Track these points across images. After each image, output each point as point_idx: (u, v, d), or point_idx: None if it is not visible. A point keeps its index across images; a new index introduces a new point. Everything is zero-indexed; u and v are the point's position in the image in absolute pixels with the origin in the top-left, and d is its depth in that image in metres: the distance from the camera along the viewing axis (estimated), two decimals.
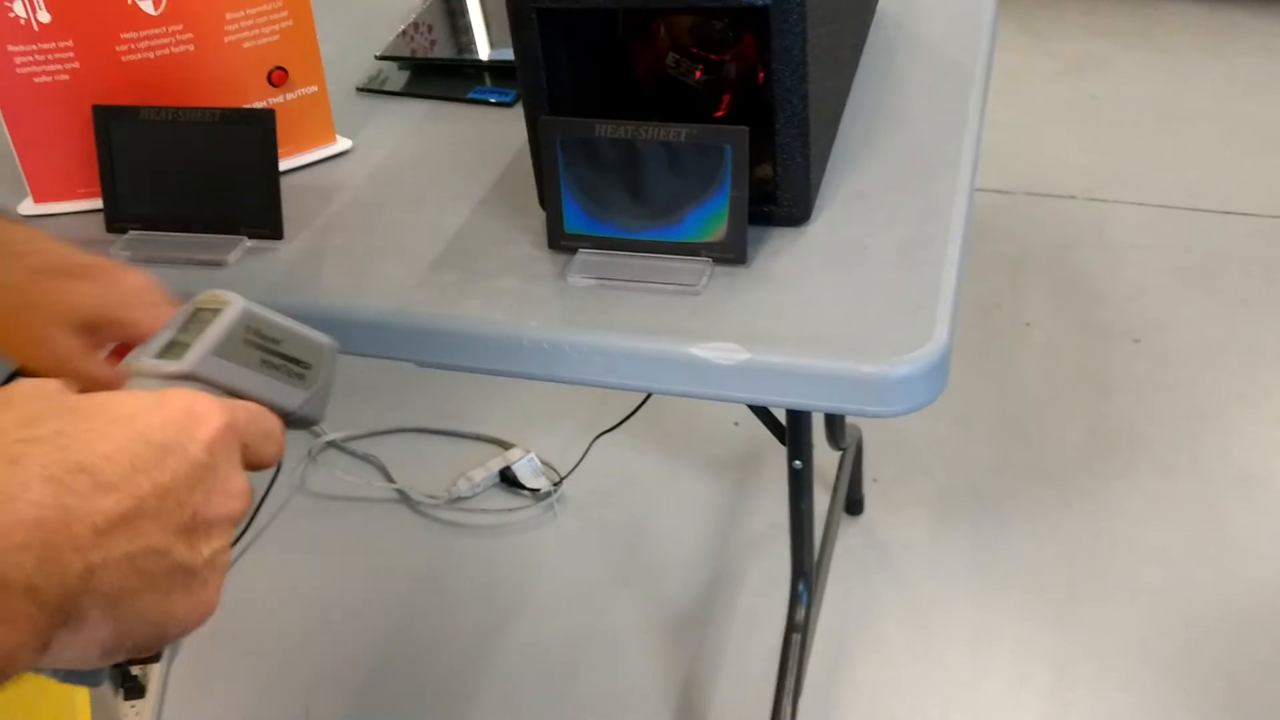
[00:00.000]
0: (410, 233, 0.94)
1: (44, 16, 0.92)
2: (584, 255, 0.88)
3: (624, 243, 0.87)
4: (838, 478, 1.67)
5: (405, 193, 1.00)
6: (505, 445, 1.94)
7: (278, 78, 1.01)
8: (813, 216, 0.92)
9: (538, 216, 0.93)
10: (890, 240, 0.89)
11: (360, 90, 1.18)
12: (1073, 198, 2.46)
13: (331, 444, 1.98)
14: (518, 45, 0.87)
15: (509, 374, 0.85)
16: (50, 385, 0.44)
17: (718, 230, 0.86)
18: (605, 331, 0.82)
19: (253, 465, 0.50)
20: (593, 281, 0.86)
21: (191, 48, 0.96)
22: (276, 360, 0.57)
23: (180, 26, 0.95)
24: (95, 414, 0.42)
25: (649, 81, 0.98)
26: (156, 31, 0.95)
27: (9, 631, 0.36)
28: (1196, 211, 2.40)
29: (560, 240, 0.89)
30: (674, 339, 0.81)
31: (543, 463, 1.90)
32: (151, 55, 0.95)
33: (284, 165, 1.02)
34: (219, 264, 0.91)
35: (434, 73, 1.19)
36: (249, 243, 0.93)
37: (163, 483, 0.42)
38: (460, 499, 1.86)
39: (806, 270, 0.87)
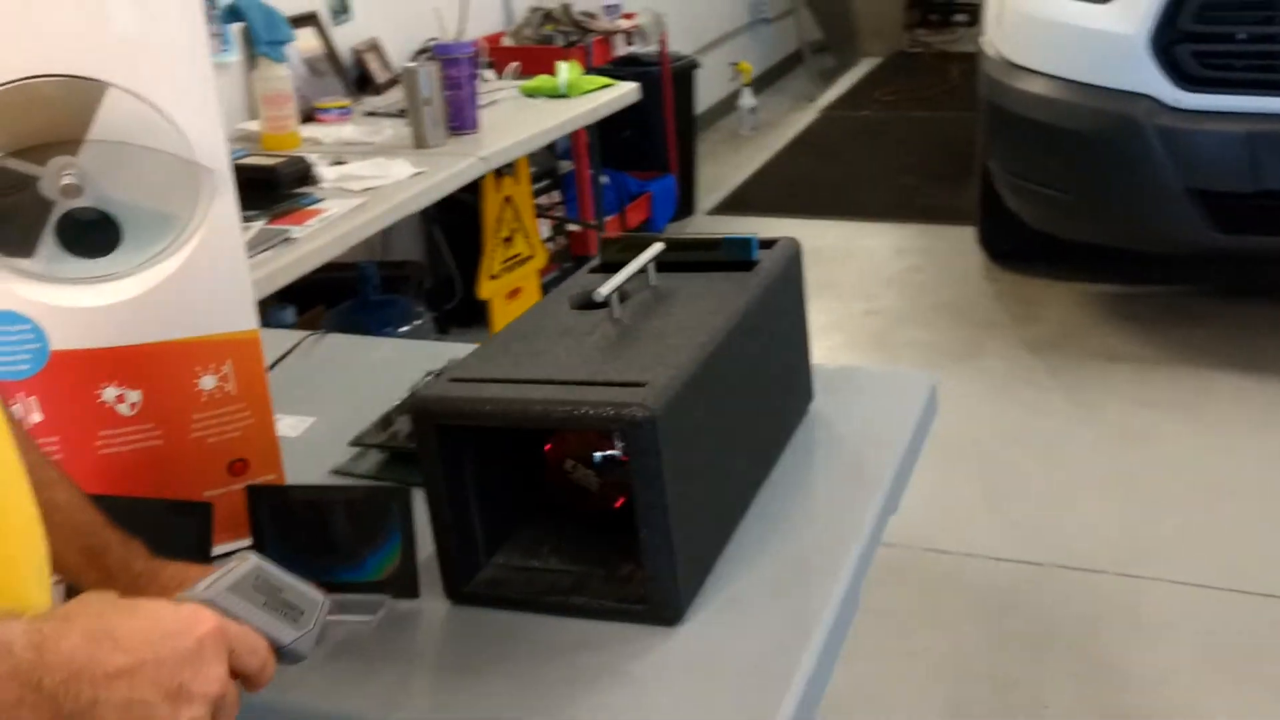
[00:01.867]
0: None
1: (36, 416, 1.08)
2: None
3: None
4: None
5: None
6: None
7: (238, 468, 1.14)
8: (686, 617, 0.98)
9: None
10: (750, 647, 0.94)
11: (334, 473, 1.31)
12: (1105, 572, 2.44)
13: None
14: (422, 452, 0.99)
15: None
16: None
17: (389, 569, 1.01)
18: None
19: (238, 670, 0.69)
20: None
21: (160, 443, 1.10)
22: (276, 603, 0.76)
23: (151, 425, 1.10)
24: (132, 607, 0.65)
25: (553, 482, 1.09)
26: (130, 430, 1.09)
27: (29, 715, 0.59)
28: (1235, 593, 2.35)
29: None
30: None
31: None
32: (124, 449, 1.10)
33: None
34: None
35: (410, 460, 1.31)
36: None
37: (161, 655, 0.63)
38: None
39: (664, 672, 0.92)
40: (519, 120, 2.92)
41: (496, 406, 0.96)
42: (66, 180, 1.00)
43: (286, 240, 2.04)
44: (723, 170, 5.39)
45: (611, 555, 1.03)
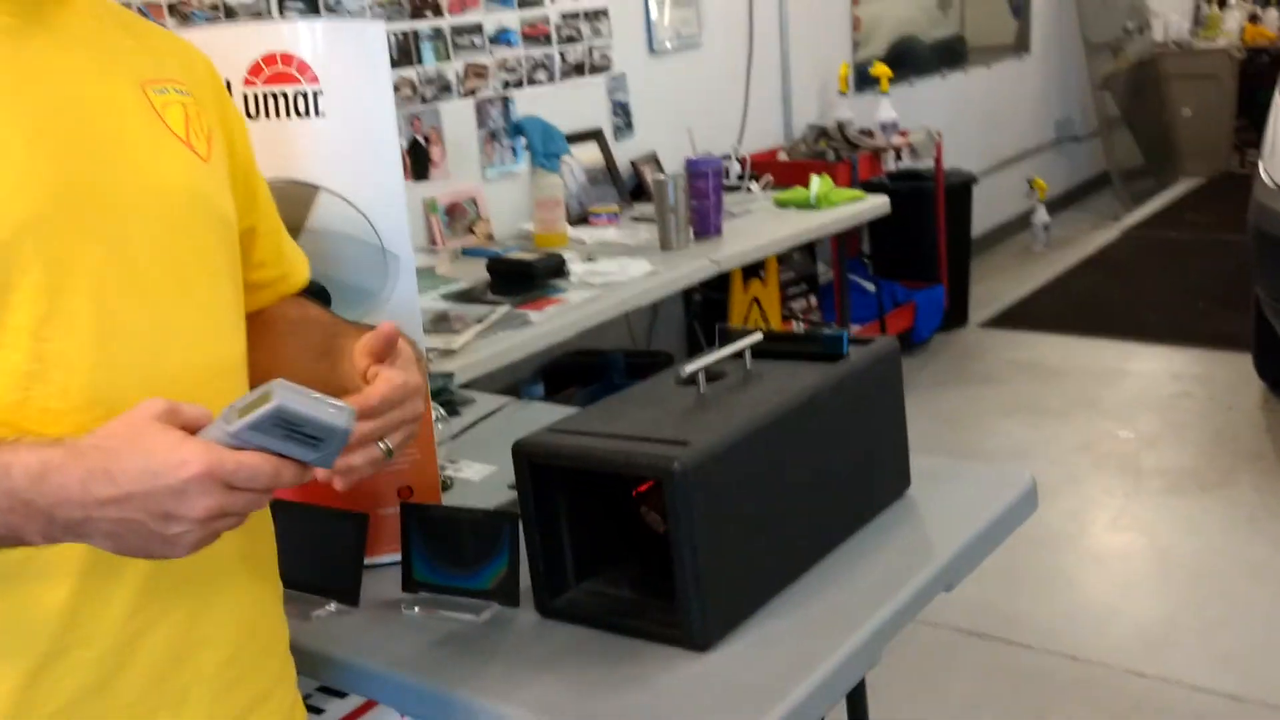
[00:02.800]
0: None
1: None
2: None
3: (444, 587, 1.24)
4: None
5: None
6: None
7: (404, 493, 1.43)
8: (716, 646, 1.16)
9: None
10: (754, 676, 1.11)
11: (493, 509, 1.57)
12: None
13: None
14: (519, 487, 1.23)
15: None
16: (155, 407, 0.81)
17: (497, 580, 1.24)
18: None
19: (242, 495, 0.81)
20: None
21: None
22: (297, 435, 0.83)
23: None
24: (134, 446, 0.79)
25: (634, 525, 1.30)
26: None
27: (26, 526, 0.78)
28: None
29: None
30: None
31: None
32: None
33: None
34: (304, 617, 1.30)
35: None
36: (332, 606, 1.32)
37: (149, 489, 0.78)
38: None
39: (681, 686, 1.11)
40: (763, 228, 3.16)
41: (569, 452, 1.19)
42: None
43: (524, 323, 2.36)
44: (1005, 284, 5.40)
45: (669, 589, 1.23)
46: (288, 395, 0.83)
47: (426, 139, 3.03)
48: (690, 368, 1.30)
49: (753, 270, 3.46)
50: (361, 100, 1.31)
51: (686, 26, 3.87)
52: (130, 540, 0.81)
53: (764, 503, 1.23)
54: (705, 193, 2.97)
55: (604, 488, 1.27)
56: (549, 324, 2.38)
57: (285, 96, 1.30)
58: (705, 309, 3.77)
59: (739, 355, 1.37)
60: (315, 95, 1.30)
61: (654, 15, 3.73)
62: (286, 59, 1.29)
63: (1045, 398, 4.08)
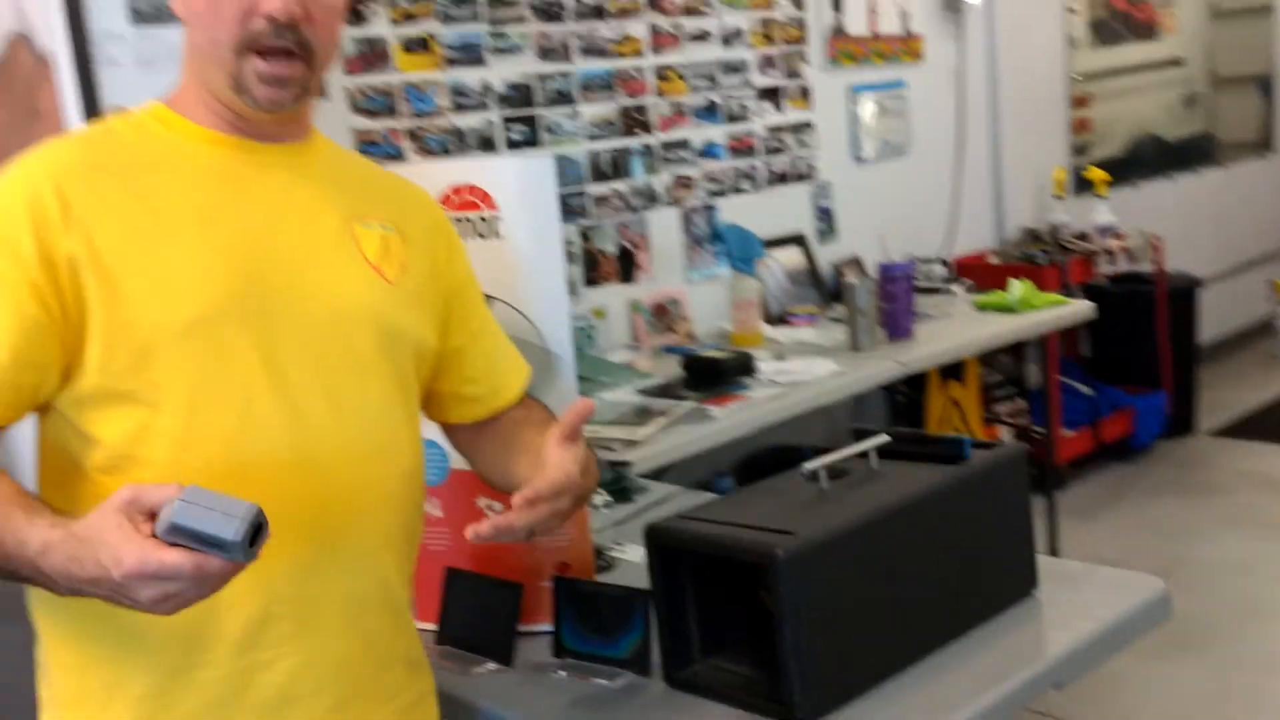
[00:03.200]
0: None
1: (437, 513, 1.61)
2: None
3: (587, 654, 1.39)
4: None
5: None
6: None
7: (561, 568, 1.60)
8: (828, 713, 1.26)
9: None
10: None
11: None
12: None
13: None
14: (650, 567, 1.38)
15: None
16: (121, 497, 0.93)
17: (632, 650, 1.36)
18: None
19: (174, 585, 0.92)
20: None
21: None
22: (200, 538, 0.92)
23: None
24: (100, 537, 0.92)
25: (755, 607, 1.41)
26: None
27: (50, 585, 0.96)
28: None
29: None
30: None
31: None
32: (492, 544, 1.60)
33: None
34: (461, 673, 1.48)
35: None
36: (490, 665, 1.49)
37: (103, 577, 0.92)
38: None
39: None
40: (959, 331, 3.22)
41: (688, 536, 1.33)
42: None
43: (706, 418, 2.52)
44: (1240, 392, 5.16)
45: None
46: (182, 509, 0.92)
47: (634, 245, 3.27)
48: (811, 465, 1.43)
49: (952, 372, 3.50)
50: (532, 223, 1.51)
51: (894, 135, 4.00)
52: (77, 585, 0.96)
53: (870, 592, 1.32)
54: (896, 296, 3.06)
55: (729, 571, 1.39)
56: (730, 420, 2.53)
57: (469, 220, 1.52)
58: (907, 408, 3.83)
59: (866, 454, 1.48)
60: (494, 219, 1.51)
61: (860, 126, 3.88)
62: (472, 189, 1.51)
63: (1275, 512, 3.89)
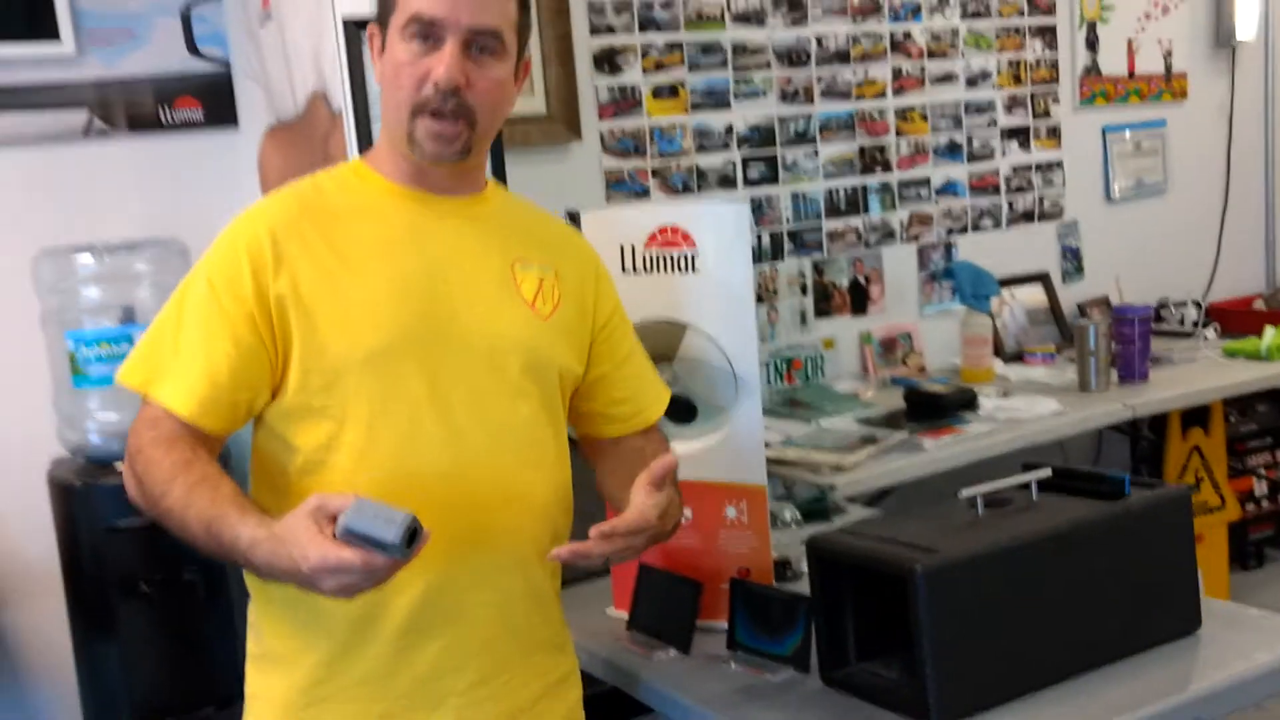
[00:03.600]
0: None
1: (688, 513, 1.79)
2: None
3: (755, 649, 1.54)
4: None
5: None
6: None
7: (742, 572, 1.76)
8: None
9: None
10: None
11: None
12: None
13: None
14: (810, 576, 1.53)
15: None
16: (310, 504, 1.16)
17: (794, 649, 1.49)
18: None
19: (350, 578, 1.14)
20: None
21: (697, 544, 1.77)
22: (368, 541, 1.13)
23: (695, 531, 1.77)
24: (292, 536, 1.14)
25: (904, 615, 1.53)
26: (684, 532, 1.76)
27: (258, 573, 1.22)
28: None
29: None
30: None
31: None
32: (680, 543, 1.78)
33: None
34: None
35: None
36: (671, 651, 1.68)
37: (295, 570, 1.14)
38: None
39: None
40: (1201, 377, 3.15)
41: (842, 549, 1.48)
42: (665, 378, 1.74)
43: (917, 449, 2.61)
44: None
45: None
46: (353, 516, 1.13)
47: (866, 279, 3.38)
48: (968, 492, 1.54)
49: (1197, 419, 3.40)
50: (728, 262, 1.69)
51: (1150, 175, 3.92)
52: (276, 573, 1.19)
53: (1011, 612, 1.43)
54: (1130, 339, 3.03)
55: (881, 582, 1.52)
56: (940, 452, 2.61)
57: (671, 257, 1.72)
58: (1150, 453, 3.74)
59: (1027, 486, 1.58)
60: (693, 257, 1.71)
61: (1113, 165, 3.83)
62: (675, 230, 1.71)
63: None
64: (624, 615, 1.80)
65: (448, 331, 1.37)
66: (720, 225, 1.70)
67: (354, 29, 1.79)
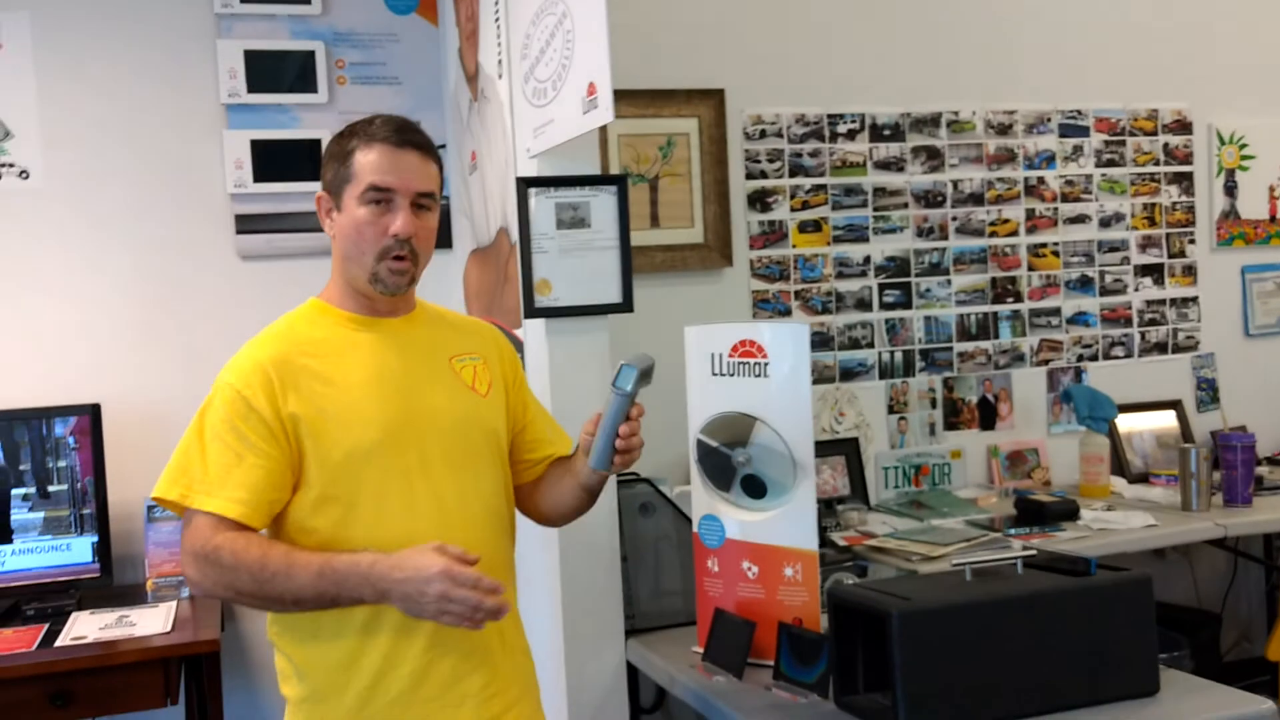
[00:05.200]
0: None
1: (716, 569, 2.27)
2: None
3: (790, 678, 1.89)
4: None
5: None
6: None
7: (795, 621, 2.18)
8: None
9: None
10: None
11: None
12: None
13: None
14: (829, 620, 1.94)
15: None
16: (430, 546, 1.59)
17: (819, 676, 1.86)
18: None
19: (459, 592, 1.54)
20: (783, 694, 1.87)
21: (761, 595, 2.20)
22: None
23: (759, 584, 2.20)
24: (408, 560, 1.57)
25: None
26: (751, 585, 2.21)
27: (364, 591, 1.60)
28: None
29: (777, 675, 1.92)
30: None
31: None
32: (747, 594, 2.22)
33: None
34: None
35: None
36: (724, 677, 2.11)
37: (417, 578, 1.56)
38: None
39: None
40: None
41: (845, 596, 1.89)
42: (741, 459, 2.20)
43: (1002, 546, 2.95)
44: None
45: None
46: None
47: (995, 397, 3.72)
48: (957, 561, 1.93)
49: None
50: (791, 368, 2.15)
51: None
52: (410, 606, 1.56)
53: (976, 655, 1.80)
54: (1234, 464, 3.26)
55: (879, 623, 1.92)
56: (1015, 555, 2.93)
57: (747, 365, 2.20)
58: None
59: (1012, 563, 1.95)
60: (765, 365, 2.18)
61: (1252, 303, 4.04)
62: (751, 343, 2.19)
63: None
64: (699, 650, 2.25)
65: (423, 420, 1.74)
66: (783, 342, 2.16)
67: (523, 185, 2.37)
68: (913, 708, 1.77)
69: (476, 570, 1.58)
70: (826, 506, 3.27)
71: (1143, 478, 3.72)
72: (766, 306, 3.48)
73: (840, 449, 3.48)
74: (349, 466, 1.69)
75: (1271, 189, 4.07)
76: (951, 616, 1.81)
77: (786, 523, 2.18)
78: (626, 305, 2.42)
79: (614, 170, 3.25)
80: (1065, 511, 3.22)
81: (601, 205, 2.41)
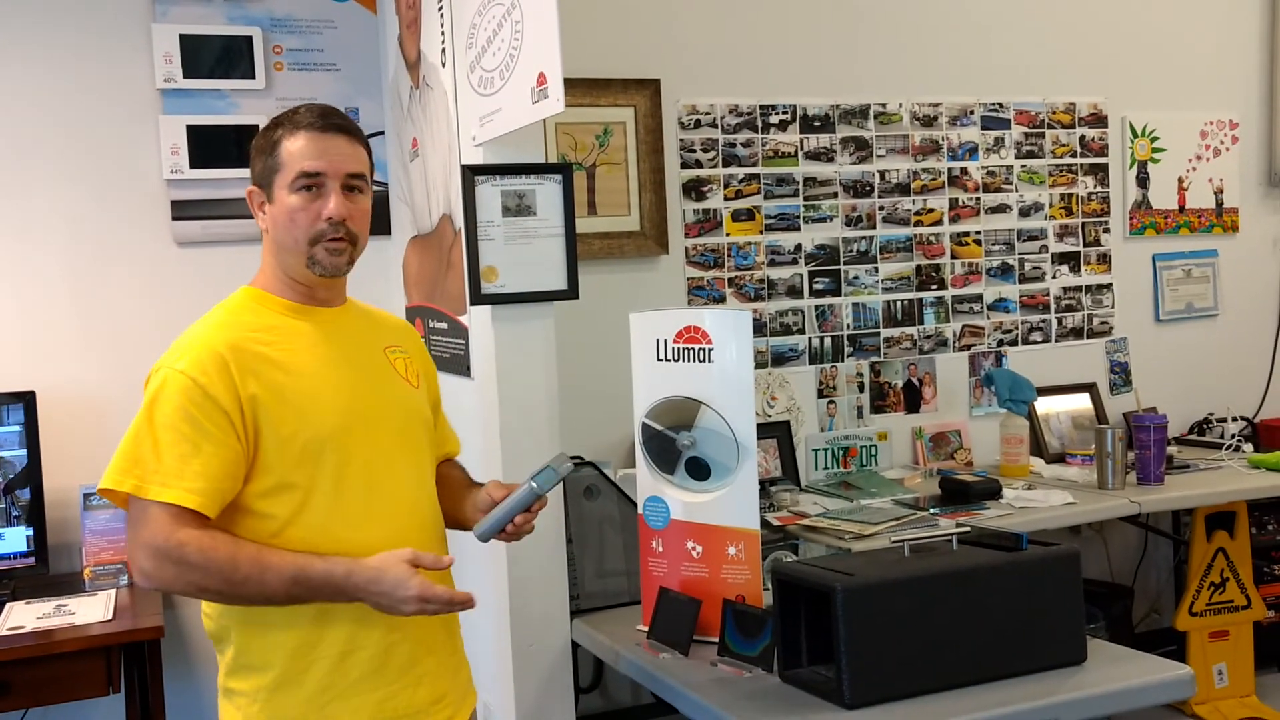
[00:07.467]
0: None
1: (660, 548, 2.33)
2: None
3: (735, 652, 1.96)
4: None
5: None
6: None
7: (739, 598, 2.25)
8: (860, 709, 1.84)
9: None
10: None
11: None
12: None
13: None
14: (773, 593, 2.02)
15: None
16: (405, 554, 1.66)
17: (763, 650, 1.93)
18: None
19: (430, 606, 1.64)
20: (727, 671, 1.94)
21: (705, 575, 2.27)
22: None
23: (704, 564, 2.27)
24: (392, 570, 1.63)
25: None
26: (696, 564, 2.27)
27: (338, 598, 1.66)
28: None
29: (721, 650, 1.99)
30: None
31: None
32: (692, 573, 2.29)
33: None
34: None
35: None
36: (671, 654, 2.18)
37: (391, 591, 1.62)
38: None
39: None
40: (1213, 484, 3.49)
41: (788, 572, 1.96)
42: (686, 443, 2.26)
43: (932, 525, 3.05)
44: None
45: None
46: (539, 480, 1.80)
47: (920, 381, 3.84)
48: (896, 538, 2.01)
49: (1221, 522, 3.70)
50: (734, 354, 2.22)
51: (1200, 300, 4.28)
52: (382, 604, 1.63)
53: (915, 627, 1.89)
54: (1147, 444, 3.41)
55: (823, 598, 2.00)
56: (951, 530, 3.04)
57: (692, 351, 2.26)
58: (1189, 553, 4.04)
59: (948, 539, 2.05)
60: (709, 350, 2.24)
61: (1162, 290, 4.22)
62: (696, 329, 2.25)
63: None
64: (644, 629, 2.31)
65: (374, 409, 1.78)
66: (728, 328, 2.23)
67: (469, 173, 2.40)
68: (856, 679, 1.85)
69: (446, 589, 1.67)
70: (759, 488, 3.35)
71: (1060, 458, 3.87)
72: (701, 293, 3.55)
73: (772, 432, 3.57)
74: (309, 454, 1.70)
75: (1180, 180, 4.24)
76: (892, 591, 1.89)
77: (730, 503, 2.25)
78: (572, 292, 2.46)
79: (551, 158, 3.28)
80: (988, 491, 3.34)
81: (547, 193, 2.45)
